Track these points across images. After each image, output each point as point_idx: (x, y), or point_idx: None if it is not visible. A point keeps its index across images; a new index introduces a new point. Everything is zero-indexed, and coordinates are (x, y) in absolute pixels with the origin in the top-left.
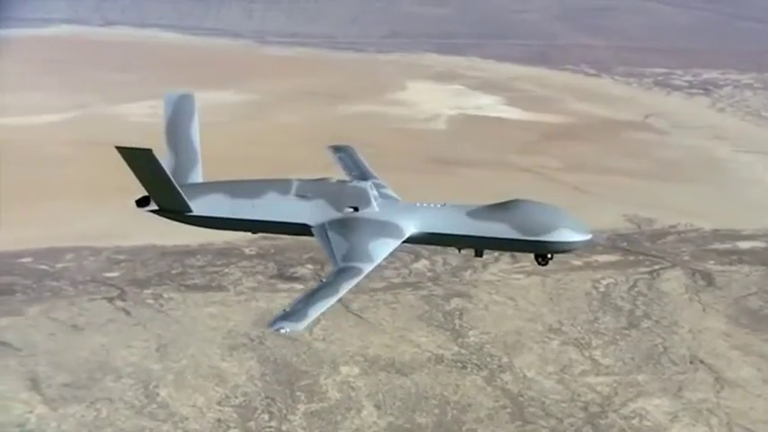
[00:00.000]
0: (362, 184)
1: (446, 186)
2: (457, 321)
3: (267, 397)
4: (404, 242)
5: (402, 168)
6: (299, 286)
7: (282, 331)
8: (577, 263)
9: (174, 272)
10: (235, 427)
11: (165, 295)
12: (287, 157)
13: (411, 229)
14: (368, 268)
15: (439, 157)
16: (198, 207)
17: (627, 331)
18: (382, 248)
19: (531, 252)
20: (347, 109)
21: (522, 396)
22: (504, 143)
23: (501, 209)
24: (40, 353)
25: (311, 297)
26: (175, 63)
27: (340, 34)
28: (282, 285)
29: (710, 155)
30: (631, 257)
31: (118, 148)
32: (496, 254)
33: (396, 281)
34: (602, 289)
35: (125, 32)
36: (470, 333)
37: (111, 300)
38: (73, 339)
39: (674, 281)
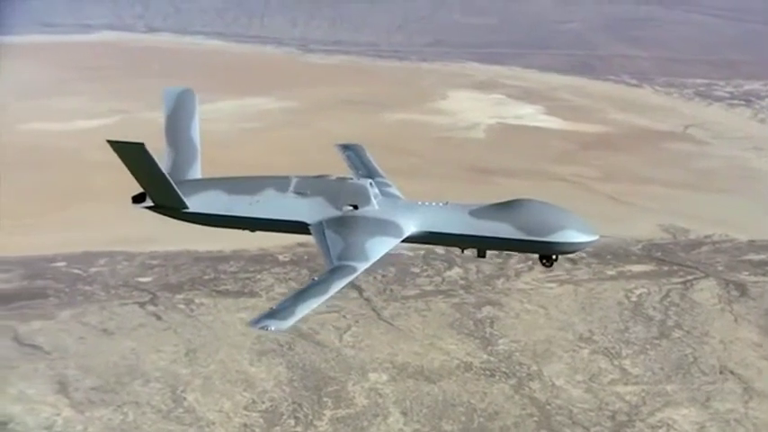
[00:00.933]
0: (362, 181)
1: (483, 195)
2: (487, 329)
3: (294, 402)
4: (404, 241)
5: (440, 176)
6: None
7: (267, 330)
8: (611, 272)
9: (206, 277)
10: None
11: (197, 300)
12: (324, 163)
13: (411, 227)
14: (362, 267)
15: (477, 165)
16: (194, 204)
17: (657, 341)
18: (379, 247)
19: (535, 253)
20: (388, 117)
21: (549, 405)
22: (543, 152)
23: (504, 208)
24: (69, 356)
25: (300, 295)
26: (218, 70)
27: (383, 42)
28: None
29: (749, 166)
30: (665, 267)
31: (109, 141)
32: (530, 262)
33: (428, 288)
34: (634, 299)
35: (168, 39)
36: (500, 341)
37: (142, 304)
38: (103, 343)
39: (707, 291)
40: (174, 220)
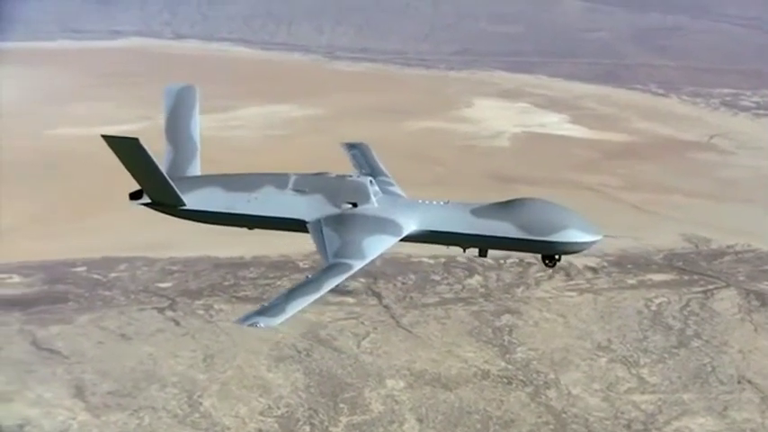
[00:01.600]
0: (362, 179)
1: None
2: (506, 337)
3: (310, 408)
4: (405, 240)
5: (463, 185)
6: (350, 300)
7: (256, 326)
8: (632, 281)
9: (226, 283)
10: None
11: (216, 306)
12: (347, 171)
13: (411, 226)
14: (359, 265)
15: (500, 174)
16: (191, 201)
17: (676, 350)
18: (377, 245)
19: (537, 252)
20: (413, 125)
21: (565, 413)
22: (567, 161)
23: (506, 207)
24: (87, 361)
25: (292, 293)
26: (244, 77)
27: (411, 51)
28: (333, 299)
29: None
30: (686, 277)
31: (104, 136)
32: (550, 271)
33: (448, 296)
34: (654, 308)
35: (195, 46)
36: (518, 349)
37: (161, 310)
38: (121, 348)
39: (727, 301)
40: (195, 226)
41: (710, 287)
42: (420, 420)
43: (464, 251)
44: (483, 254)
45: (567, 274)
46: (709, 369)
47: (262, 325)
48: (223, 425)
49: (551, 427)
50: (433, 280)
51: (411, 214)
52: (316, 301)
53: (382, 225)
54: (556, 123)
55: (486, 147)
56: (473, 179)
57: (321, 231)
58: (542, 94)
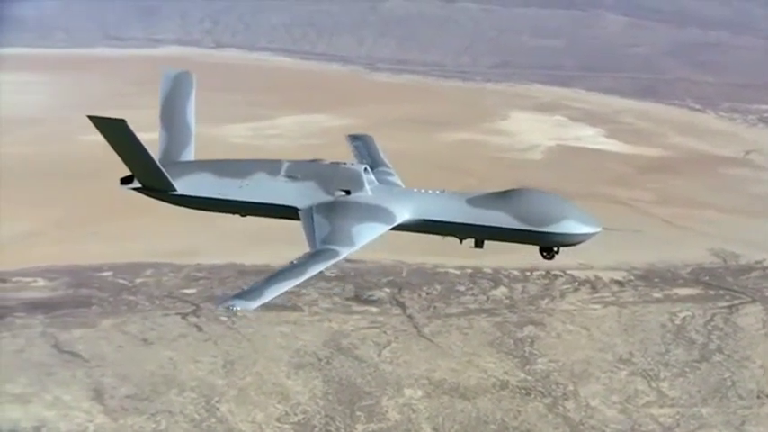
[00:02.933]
0: (356, 166)
1: None
2: (527, 348)
3: (327, 415)
4: (398, 229)
5: None
6: (374, 309)
7: (233, 309)
8: (657, 295)
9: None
10: None
11: (239, 313)
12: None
13: (405, 215)
14: (345, 252)
15: (529, 186)
16: (182, 186)
17: (697, 364)
18: (367, 233)
19: (533, 244)
20: (448, 136)
21: (582, 424)
22: (599, 175)
23: (503, 197)
24: (107, 364)
25: (274, 277)
26: (282, 86)
27: (450, 63)
28: (357, 308)
29: None
30: (712, 291)
31: (90, 117)
32: (576, 283)
33: (472, 306)
34: (677, 321)
35: (235, 55)
36: (539, 360)
37: (184, 315)
38: (141, 352)
39: (751, 316)
40: (223, 234)
41: (736, 302)
42: (436, 429)
43: (461, 242)
44: (479, 245)
45: (593, 287)
46: (729, 383)
47: (238, 308)
48: (239, 430)
49: None
50: (457, 290)
51: (405, 203)
52: (302, 285)
53: (374, 213)
54: (591, 137)
55: (519, 159)
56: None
57: (312, 218)
58: (579, 107)
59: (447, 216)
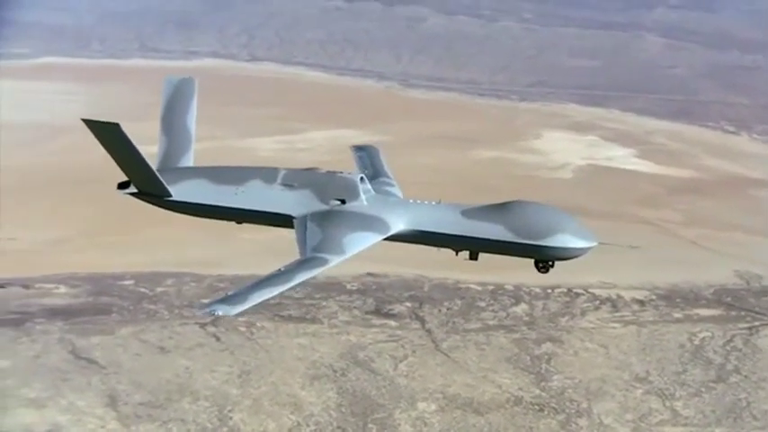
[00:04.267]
0: (352, 176)
1: None
2: (543, 365)
3: (338, 427)
4: (392, 240)
5: None
6: (393, 323)
7: (214, 314)
8: (678, 315)
9: (271, 302)
10: None
11: (258, 324)
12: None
13: (399, 225)
14: (336, 260)
15: (559, 204)
16: (178, 192)
17: (713, 384)
18: (358, 242)
19: (528, 257)
20: (479, 154)
21: None
22: (629, 195)
23: (499, 209)
24: (123, 372)
25: (260, 283)
26: (316, 101)
27: (485, 81)
28: (377, 321)
29: None
30: (733, 313)
31: (84, 120)
32: (597, 302)
33: (491, 323)
34: (696, 342)
35: (270, 68)
36: (555, 377)
37: (203, 325)
38: (158, 361)
39: None
40: (248, 245)
41: (756, 324)
42: None
43: (456, 254)
44: (474, 257)
45: (614, 306)
46: (744, 404)
47: (220, 313)
48: None
49: None
50: (478, 306)
51: (400, 213)
52: (290, 292)
53: (368, 222)
54: (623, 157)
55: (549, 178)
56: None
57: (305, 227)
58: (613, 128)
59: (441, 227)
